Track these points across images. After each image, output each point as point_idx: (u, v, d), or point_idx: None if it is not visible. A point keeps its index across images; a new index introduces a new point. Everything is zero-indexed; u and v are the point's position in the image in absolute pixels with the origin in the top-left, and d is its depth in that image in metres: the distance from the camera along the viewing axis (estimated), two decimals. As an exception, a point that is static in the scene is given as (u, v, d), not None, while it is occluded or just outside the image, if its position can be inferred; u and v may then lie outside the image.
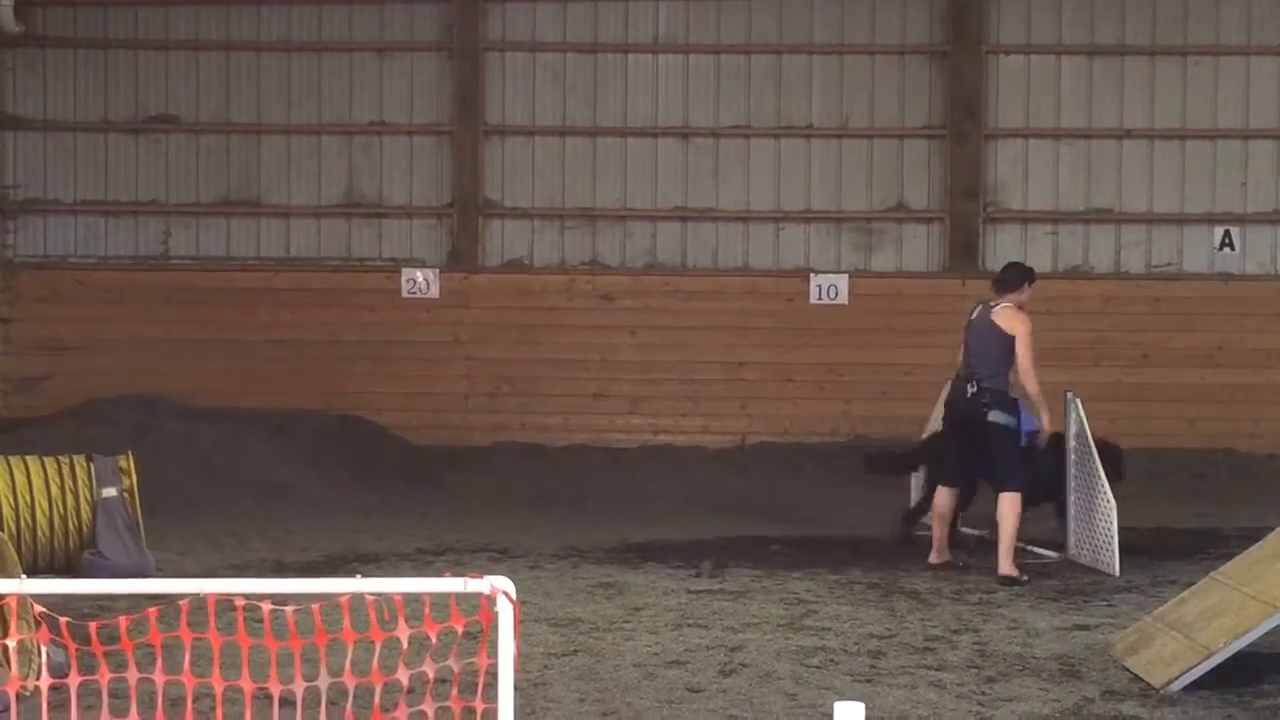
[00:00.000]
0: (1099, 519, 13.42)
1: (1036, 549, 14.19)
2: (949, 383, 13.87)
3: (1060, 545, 14.13)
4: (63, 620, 6.38)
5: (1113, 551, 13.20)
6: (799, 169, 19.70)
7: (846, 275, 19.48)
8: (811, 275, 19.45)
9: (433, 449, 18.84)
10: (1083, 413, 13.87)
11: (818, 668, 9.92)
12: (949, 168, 19.53)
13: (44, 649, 6.93)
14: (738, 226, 19.77)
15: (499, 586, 5.98)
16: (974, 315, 13.37)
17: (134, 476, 13.14)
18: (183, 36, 19.75)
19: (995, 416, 13.13)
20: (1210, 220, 19.56)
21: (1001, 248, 19.52)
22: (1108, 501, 13.24)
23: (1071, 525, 14.00)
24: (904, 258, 19.70)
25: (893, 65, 19.67)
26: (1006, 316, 13.15)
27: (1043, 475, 13.74)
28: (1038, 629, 11.10)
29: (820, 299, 19.39)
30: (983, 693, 9.28)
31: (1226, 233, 19.55)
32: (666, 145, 19.77)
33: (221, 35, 19.76)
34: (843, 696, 7.96)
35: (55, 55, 19.80)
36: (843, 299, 19.40)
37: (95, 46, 19.77)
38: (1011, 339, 13.06)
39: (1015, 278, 13.44)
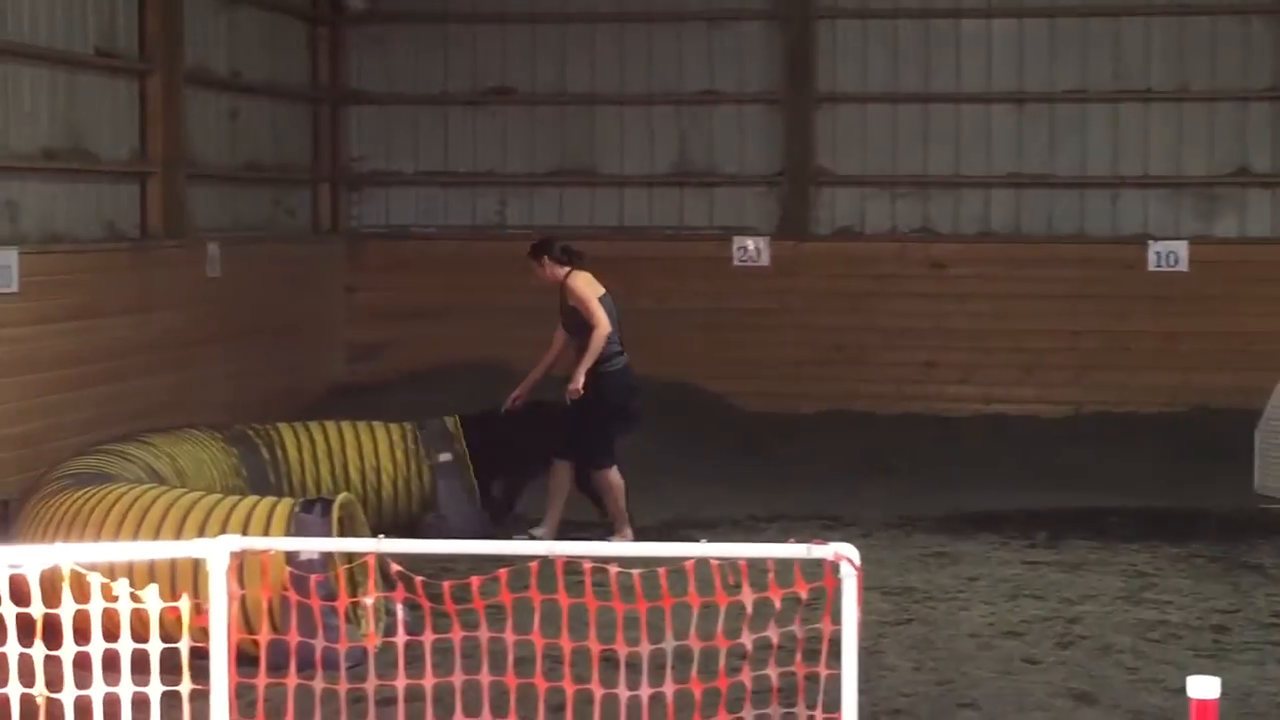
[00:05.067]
0: None
1: None
2: (623, 361, 13.86)
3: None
4: (418, 579, 6.58)
5: None
6: (1137, 134, 19.28)
7: (1186, 242, 19.00)
8: (1150, 242, 19.03)
9: (764, 416, 18.88)
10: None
11: (1158, 642, 9.77)
12: (1294, 131, 18.96)
13: (398, 607, 7.17)
14: (1073, 193, 19.43)
15: (843, 553, 6.01)
16: (603, 291, 13.60)
17: (463, 441, 13.61)
18: (520, 9, 20.08)
19: None
20: None
21: (1352, 212, 18.93)
22: None
23: None
24: (1247, 224, 19.16)
25: (1235, 26, 19.11)
26: None
27: None
28: (1391, 607, 10.77)
29: (1159, 265, 18.96)
30: (1335, 671, 9.05)
31: None
32: (1000, 111, 19.50)
33: (558, 8, 20.04)
34: (1186, 672, 7.82)
35: (396, 30, 20.30)
36: (1182, 266, 18.94)
37: (434, 21, 20.20)
38: None
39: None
